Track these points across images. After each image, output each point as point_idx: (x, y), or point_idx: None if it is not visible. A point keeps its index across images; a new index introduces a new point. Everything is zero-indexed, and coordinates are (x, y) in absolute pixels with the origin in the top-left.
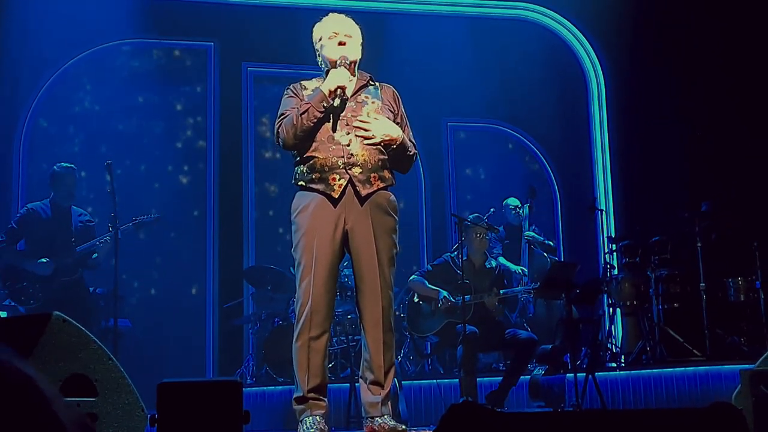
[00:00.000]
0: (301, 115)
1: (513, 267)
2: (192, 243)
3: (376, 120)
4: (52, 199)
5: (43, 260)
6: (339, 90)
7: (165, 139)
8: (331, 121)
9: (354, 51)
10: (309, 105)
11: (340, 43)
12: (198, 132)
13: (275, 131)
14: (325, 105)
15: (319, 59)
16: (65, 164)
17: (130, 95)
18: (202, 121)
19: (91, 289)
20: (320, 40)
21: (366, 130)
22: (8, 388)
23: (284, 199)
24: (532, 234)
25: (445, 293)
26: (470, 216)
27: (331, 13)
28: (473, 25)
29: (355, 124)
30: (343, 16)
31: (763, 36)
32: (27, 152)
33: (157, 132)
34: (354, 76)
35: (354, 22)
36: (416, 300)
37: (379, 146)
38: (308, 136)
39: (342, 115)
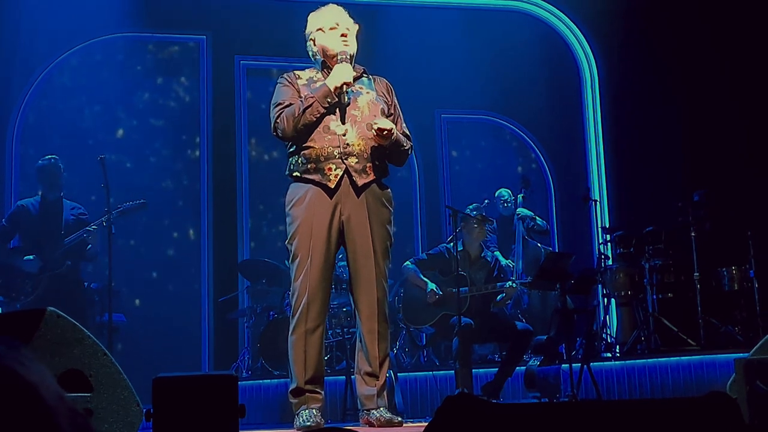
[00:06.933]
0: (304, 110)
1: (503, 261)
2: (186, 236)
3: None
4: (42, 194)
5: (30, 257)
6: (344, 86)
7: (158, 132)
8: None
9: (353, 45)
10: (313, 100)
11: (343, 35)
12: (191, 125)
13: (273, 121)
14: (330, 101)
15: (315, 49)
16: (47, 156)
17: (122, 89)
18: (195, 114)
19: (86, 284)
20: (318, 30)
21: (382, 129)
22: (6, 400)
23: (278, 192)
24: (525, 211)
25: (433, 286)
26: (466, 208)
27: (329, 4)
28: (466, 16)
29: (375, 128)
30: (341, 8)
31: (755, 24)
32: (19, 147)
33: (149, 125)
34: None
35: (348, 15)
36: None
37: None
38: (309, 129)
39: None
